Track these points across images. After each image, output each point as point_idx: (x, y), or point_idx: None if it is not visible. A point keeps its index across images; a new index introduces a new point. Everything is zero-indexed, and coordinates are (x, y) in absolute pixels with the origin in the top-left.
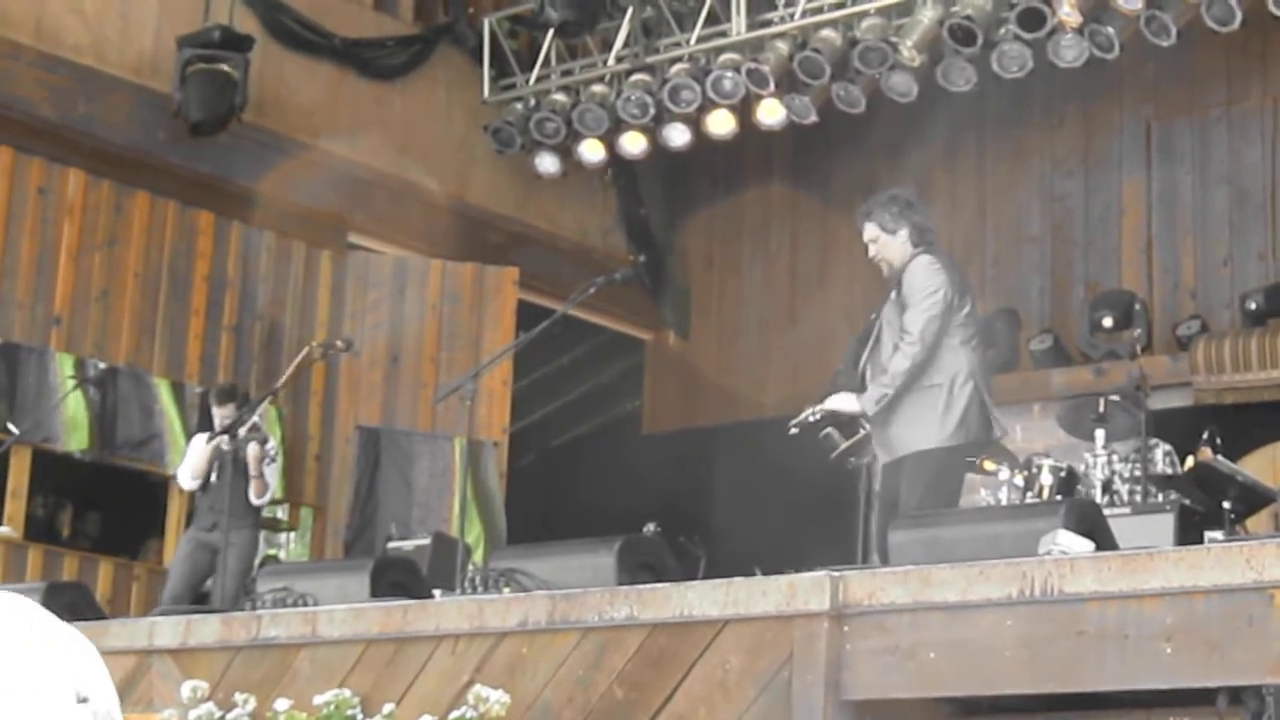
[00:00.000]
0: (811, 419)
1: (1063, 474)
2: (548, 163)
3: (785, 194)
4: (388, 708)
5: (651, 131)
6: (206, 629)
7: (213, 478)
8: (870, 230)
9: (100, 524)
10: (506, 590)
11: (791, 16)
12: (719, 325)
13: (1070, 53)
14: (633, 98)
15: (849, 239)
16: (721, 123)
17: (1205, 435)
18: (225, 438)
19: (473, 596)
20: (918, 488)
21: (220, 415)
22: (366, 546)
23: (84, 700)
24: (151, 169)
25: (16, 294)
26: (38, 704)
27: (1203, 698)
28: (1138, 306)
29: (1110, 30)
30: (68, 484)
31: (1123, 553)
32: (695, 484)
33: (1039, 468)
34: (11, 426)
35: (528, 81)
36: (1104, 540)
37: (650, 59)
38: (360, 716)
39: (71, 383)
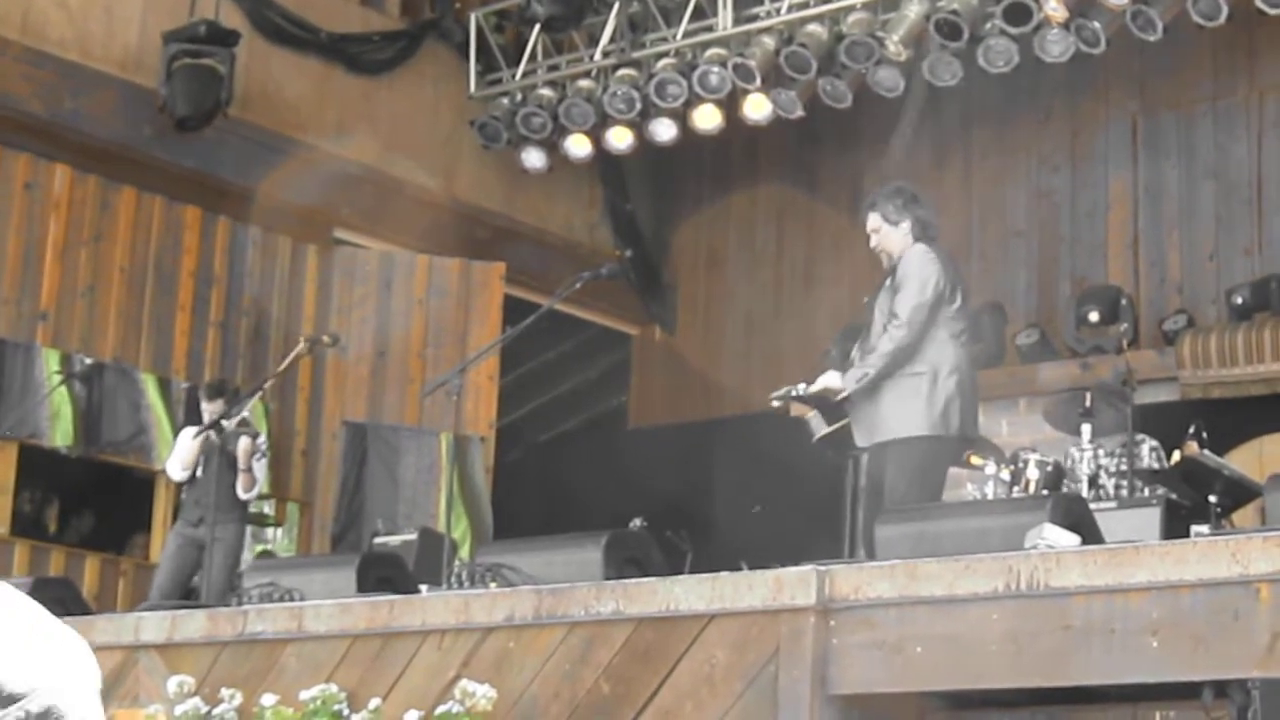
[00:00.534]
0: (794, 394)
1: (1049, 468)
2: (534, 158)
3: (772, 189)
4: (374, 703)
5: (638, 126)
6: (193, 624)
7: (199, 472)
8: (873, 220)
9: (87, 520)
10: (493, 585)
11: (778, 11)
12: (705, 320)
13: (1056, 48)
14: (619, 93)
15: (835, 233)
16: (708, 118)
17: (1191, 430)
18: (214, 430)
19: (459, 591)
20: (902, 478)
21: (210, 410)
22: (353, 542)
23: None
24: (138, 164)
25: (3, 289)
26: None
27: (1188, 691)
28: (1124, 301)
29: (1096, 25)
30: (54, 480)
31: (1109, 547)
32: (682, 479)
33: (1025, 462)
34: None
35: (514, 76)
36: (1090, 534)
37: (637, 54)
38: (346, 711)
39: (57, 378)
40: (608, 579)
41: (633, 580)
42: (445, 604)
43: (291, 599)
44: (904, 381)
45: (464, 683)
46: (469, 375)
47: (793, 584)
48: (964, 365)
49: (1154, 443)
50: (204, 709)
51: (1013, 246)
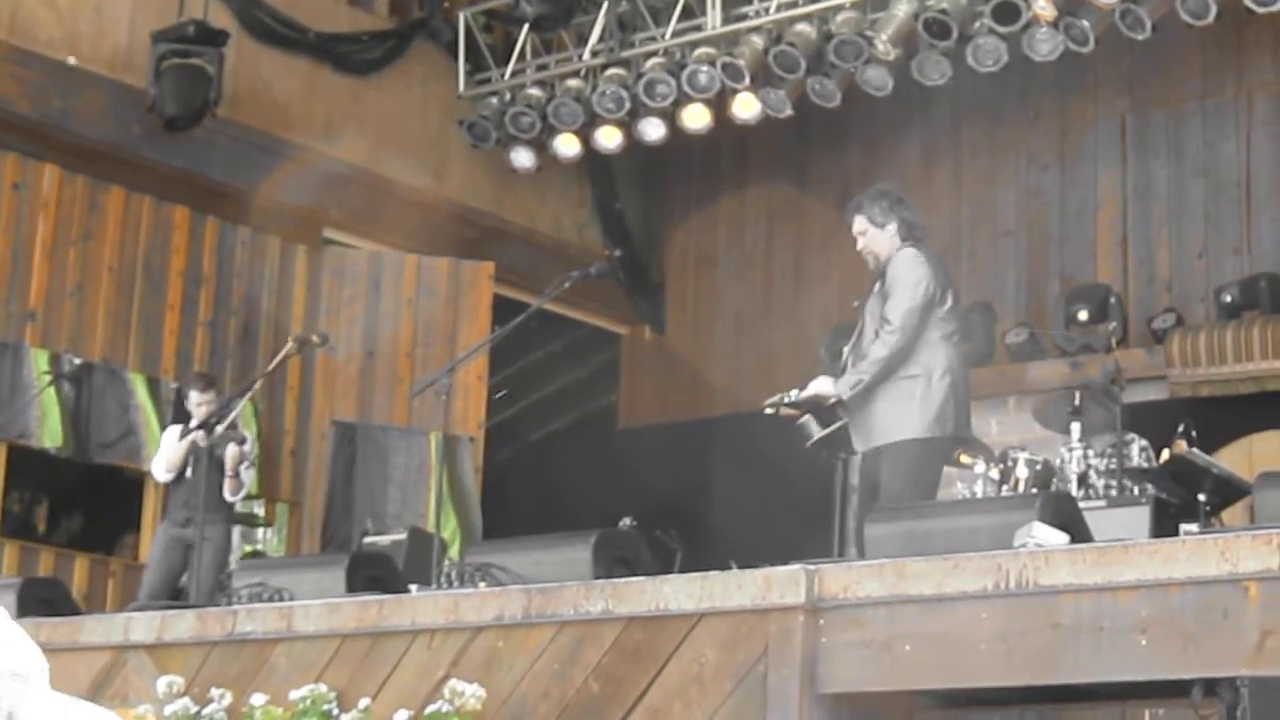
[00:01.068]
0: (786, 401)
1: (1038, 467)
2: (523, 157)
3: (761, 188)
4: (364, 702)
5: (627, 126)
6: (182, 624)
7: (188, 472)
8: (859, 223)
9: (76, 520)
10: (482, 585)
11: (766, 11)
12: (695, 320)
13: (1045, 46)
14: (608, 92)
15: (824, 232)
16: (697, 117)
17: (1180, 428)
18: (202, 432)
19: (448, 591)
20: (898, 479)
21: (201, 401)
22: (342, 541)
23: None
24: (126, 164)
25: None
26: None
27: (1177, 690)
28: (1113, 300)
29: (1085, 24)
30: (44, 480)
31: (1098, 545)
32: (671, 479)
33: (1015, 461)
34: None
35: (503, 76)
36: (1079, 533)
37: (625, 53)
38: (336, 711)
39: (46, 378)
40: (597, 578)
41: (622, 580)
42: (435, 604)
43: (281, 599)
44: (898, 385)
45: (453, 682)
46: (458, 375)
47: (782, 583)
48: (956, 366)
49: (1143, 441)
50: (193, 709)
51: (1002, 245)
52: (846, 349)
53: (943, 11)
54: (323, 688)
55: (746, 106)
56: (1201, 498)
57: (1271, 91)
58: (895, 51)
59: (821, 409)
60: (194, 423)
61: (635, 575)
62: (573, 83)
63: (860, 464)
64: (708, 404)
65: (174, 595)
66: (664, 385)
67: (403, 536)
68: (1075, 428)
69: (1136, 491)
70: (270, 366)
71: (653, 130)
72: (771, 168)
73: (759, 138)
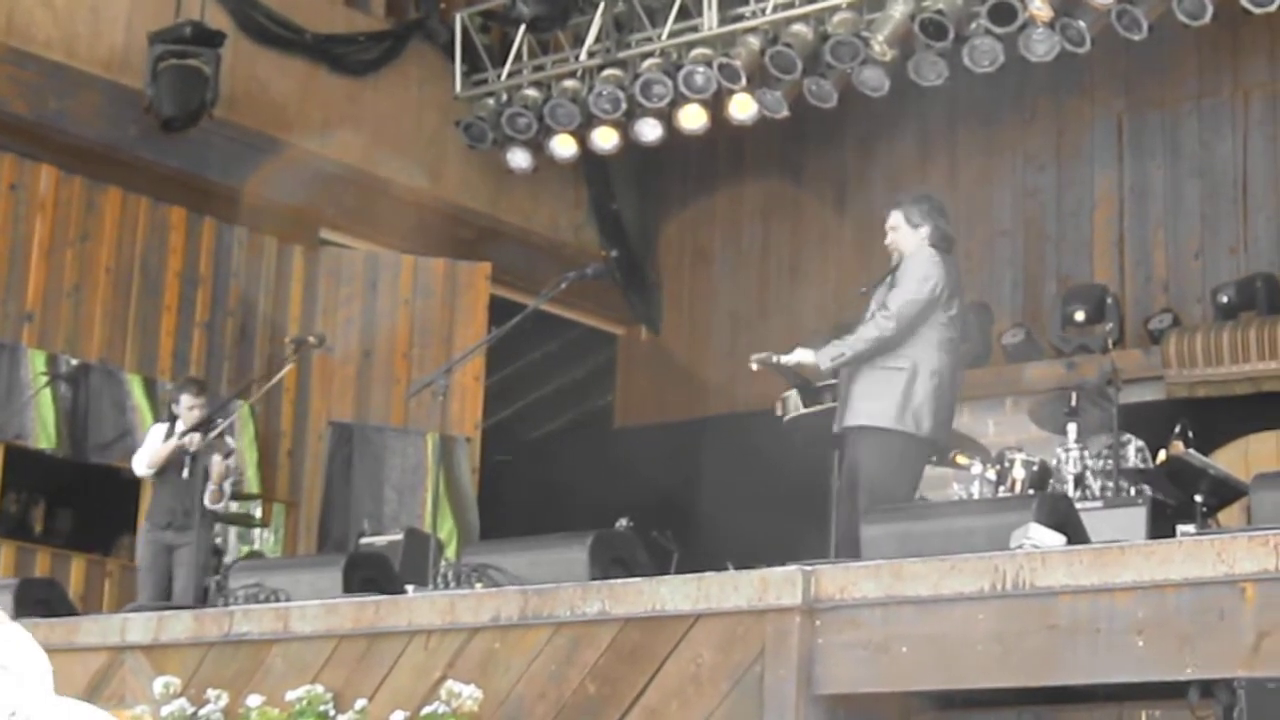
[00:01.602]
0: (774, 360)
1: (1035, 468)
2: (520, 158)
3: (757, 189)
4: (360, 703)
5: (623, 126)
6: (179, 625)
7: (184, 473)
8: (895, 218)
9: (72, 520)
10: (479, 586)
11: (763, 11)
12: (691, 320)
13: (1041, 47)
14: (604, 93)
15: (820, 232)
16: (693, 118)
17: (1177, 429)
18: (195, 436)
19: (445, 592)
20: (870, 468)
21: (193, 405)
22: (339, 542)
23: None
24: (123, 165)
25: None
26: None
27: (1174, 691)
28: (1109, 300)
29: (1081, 24)
30: (40, 480)
31: (1094, 546)
32: (668, 479)
33: (1011, 462)
34: None
35: (499, 77)
36: (1076, 534)
37: (622, 54)
38: (332, 712)
39: (43, 379)
40: (593, 579)
41: (619, 580)
42: (431, 604)
43: (277, 599)
44: (881, 373)
45: (450, 683)
46: (455, 376)
47: (778, 584)
48: (946, 371)
49: (1140, 442)
50: (190, 710)
51: (998, 245)
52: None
53: (939, 12)
54: (319, 688)
55: (743, 107)
56: (1198, 499)
57: (1267, 92)
58: (892, 52)
59: (809, 386)
60: (181, 426)
61: (632, 576)
62: (569, 83)
63: (843, 456)
64: (704, 404)
65: (171, 599)
66: (660, 385)
67: (399, 537)
68: (1072, 428)
69: (1133, 492)
70: (268, 384)
71: (649, 131)
72: (767, 168)
73: (755, 138)
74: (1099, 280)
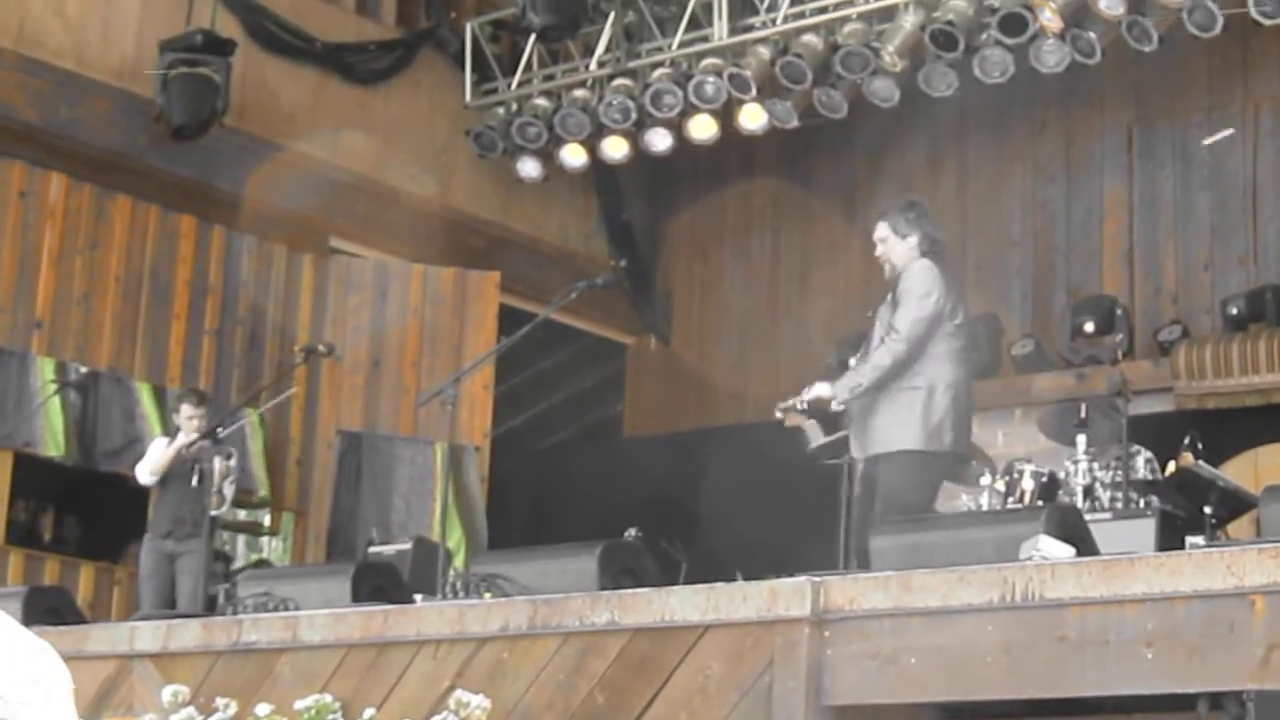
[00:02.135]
0: (799, 407)
1: (1044, 479)
2: (529, 167)
3: (767, 199)
4: (368, 713)
5: (633, 136)
6: (187, 633)
7: (193, 481)
8: (882, 230)
9: (81, 528)
10: (488, 595)
11: (773, 22)
12: (700, 330)
13: (1052, 58)
14: (614, 102)
15: (830, 243)
16: (703, 128)
17: (1186, 440)
18: (205, 443)
19: (454, 601)
20: (894, 491)
21: (193, 415)
22: (348, 551)
23: None
24: (133, 173)
25: None
26: None
27: (1183, 703)
28: (1119, 311)
29: (1092, 36)
30: (49, 488)
31: (1104, 558)
32: (677, 488)
33: (1020, 473)
34: None
35: (510, 86)
36: (1085, 545)
37: (632, 64)
38: None
39: (52, 387)
40: (602, 589)
41: (627, 590)
42: (440, 614)
43: (286, 608)
44: (900, 395)
45: (458, 693)
46: (464, 385)
47: (788, 595)
48: (960, 382)
49: (1149, 454)
50: (198, 718)
51: (1008, 256)
52: (854, 360)
53: (949, 23)
54: (328, 698)
55: (753, 117)
56: (1207, 510)
57: (1277, 103)
58: (902, 63)
59: (827, 415)
60: (182, 436)
61: (640, 586)
62: (579, 93)
63: (859, 472)
64: (713, 414)
65: (172, 608)
66: (669, 395)
67: (408, 546)
68: (1081, 440)
69: (1142, 504)
70: (275, 400)
71: (659, 141)
72: (777, 179)
73: (765, 148)
74: (1108, 291)
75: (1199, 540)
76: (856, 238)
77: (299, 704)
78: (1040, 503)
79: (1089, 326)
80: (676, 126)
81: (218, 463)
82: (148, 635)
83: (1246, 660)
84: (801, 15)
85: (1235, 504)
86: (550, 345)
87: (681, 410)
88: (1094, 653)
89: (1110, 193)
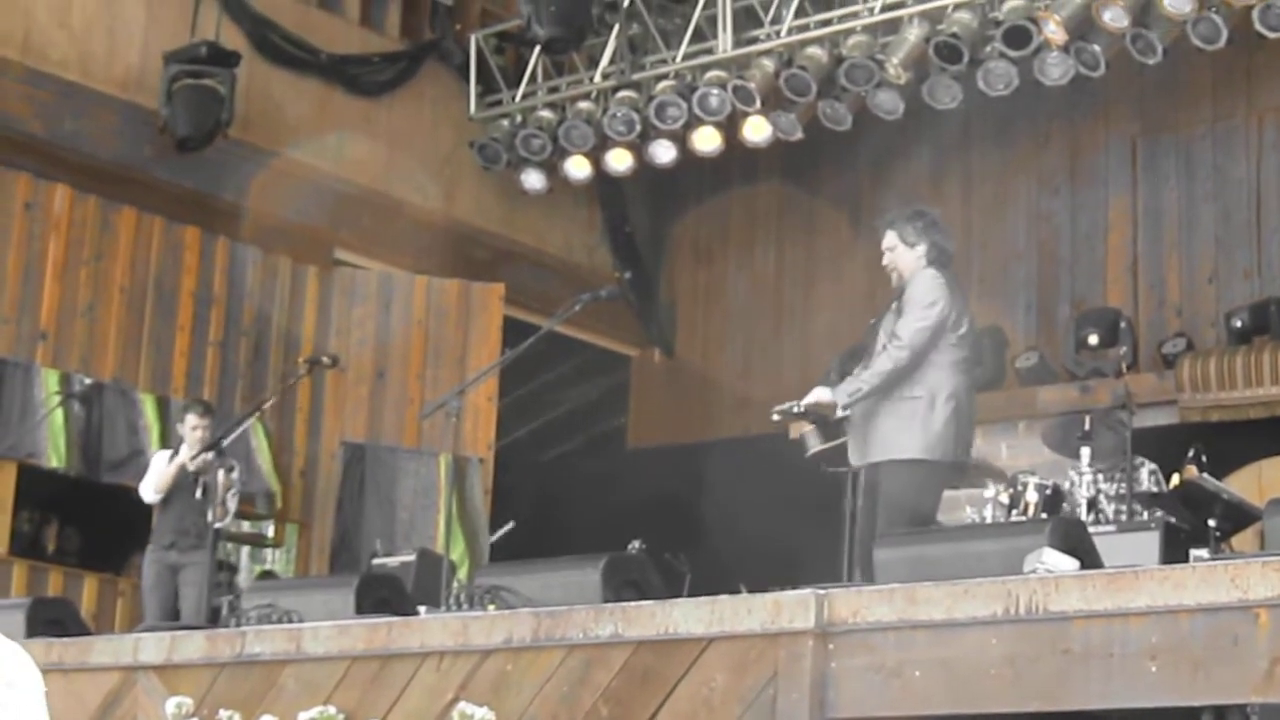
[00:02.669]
0: (796, 410)
1: (1048, 492)
2: (534, 179)
3: (771, 211)
4: None
5: (638, 148)
6: (191, 645)
7: (196, 494)
8: (890, 239)
9: (85, 539)
10: (491, 607)
11: (778, 34)
12: (704, 342)
13: (1056, 70)
14: (619, 115)
15: (834, 255)
16: (708, 140)
17: (1190, 453)
18: (206, 456)
19: (458, 613)
20: (894, 499)
21: (197, 425)
22: (351, 563)
23: None
24: (138, 184)
25: (2, 309)
26: None
27: (1187, 717)
28: (1123, 324)
29: (1096, 48)
30: (53, 499)
31: (1108, 571)
32: (681, 500)
33: (1024, 485)
34: None
35: (514, 98)
36: (1089, 558)
37: (637, 76)
38: None
39: (56, 398)
40: (606, 601)
41: (631, 603)
42: (443, 626)
43: (290, 620)
44: (900, 404)
45: (462, 705)
46: (468, 396)
47: (791, 607)
48: (962, 392)
49: (1153, 466)
50: None
51: (1012, 269)
52: (858, 369)
53: (954, 35)
54: (331, 709)
55: (757, 129)
56: (1211, 523)
57: None
58: (906, 75)
59: (826, 422)
60: (185, 447)
61: (644, 599)
62: (584, 105)
63: (858, 480)
64: (716, 426)
65: (175, 620)
66: (673, 407)
67: (412, 558)
68: (1085, 452)
69: (1146, 517)
70: (271, 399)
71: (663, 152)
72: (782, 191)
73: (769, 161)
74: (1113, 304)
75: (1203, 553)
76: (860, 250)
77: (303, 716)
78: (1044, 515)
79: (1093, 339)
80: (681, 138)
81: (221, 475)
82: (151, 647)
83: (1251, 674)
84: (806, 28)
85: (1239, 517)
86: (554, 357)
87: (685, 422)
88: (1098, 666)
89: (1114, 205)
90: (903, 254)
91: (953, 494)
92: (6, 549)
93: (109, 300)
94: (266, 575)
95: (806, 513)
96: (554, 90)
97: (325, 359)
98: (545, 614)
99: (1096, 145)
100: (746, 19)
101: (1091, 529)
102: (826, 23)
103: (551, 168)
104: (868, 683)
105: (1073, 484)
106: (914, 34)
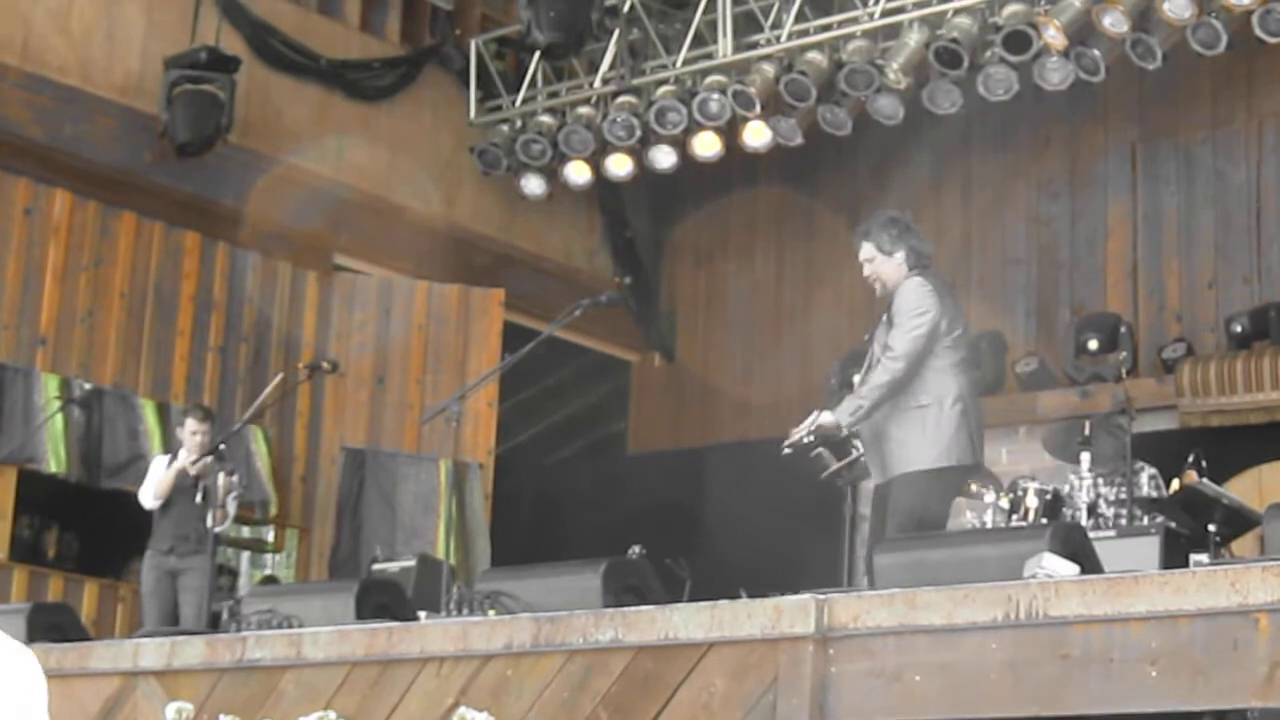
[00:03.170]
0: (806, 439)
1: (1048, 497)
2: (534, 184)
3: (771, 217)
4: None
5: (637, 154)
6: (191, 650)
7: (197, 498)
8: (867, 250)
9: (85, 545)
10: (492, 612)
11: (778, 39)
12: (704, 347)
13: (1056, 75)
14: (619, 120)
15: (835, 261)
16: (708, 145)
17: (1190, 458)
18: (206, 461)
19: (458, 619)
20: (908, 509)
21: (196, 430)
22: (351, 568)
23: None
24: (138, 190)
25: (2, 315)
26: None
27: None
28: (1123, 329)
29: (1096, 53)
30: (53, 504)
31: (1108, 576)
32: (681, 505)
33: (1024, 490)
34: None
35: (514, 103)
36: (1089, 563)
37: (636, 81)
38: None
39: (56, 403)
40: (606, 607)
41: (631, 608)
42: (444, 631)
43: (290, 625)
44: (909, 415)
45: (462, 710)
46: (468, 402)
47: (792, 612)
48: (966, 393)
49: (1153, 471)
50: None
51: (1011, 274)
52: (857, 378)
53: (954, 40)
54: (331, 715)
55: (757, 134)
56: (1211, 528)
57: None
58: (906, 80)
59: (834, 441)
60: (184, 453)
61: (645, 604)
62: (584, 110)
63: (875, 494)
64: (716, 430)
65: (175, 625)
66: (673, 412)
67: (412, 563)
68: (1085, 457)
69: (1146, 522)
70: (263, 395)
71: (663, 158)
72: (782, 196)
73: (769, 166)
74: (1112, 309)
75: (1203, 558)
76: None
77: None
78: (1044, 520)
79: (1093, 344)
80: (681, 144)
81: (221, 479)
82: (151, 652)
83: (1251, 678)
84: (806, 33)
85: (1239, 522)
86: (554, 362)
87: (685, 427)
88: (1098, 671)
89: (1114, 210)
90: (882, 263)
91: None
92: (6, 554)
93: (109, 305)
94: (269, 581)
95: (807, 518)
96: (554, 95)
97: (325, 364)
98: (545, 619)
99: (1096, 150)
100: (746, 24)
101: (1091, 534)
102: (826, 28)
103: (551, 173)
104: (868, 687)
105: (1073, 489)
106: (914, 39)
